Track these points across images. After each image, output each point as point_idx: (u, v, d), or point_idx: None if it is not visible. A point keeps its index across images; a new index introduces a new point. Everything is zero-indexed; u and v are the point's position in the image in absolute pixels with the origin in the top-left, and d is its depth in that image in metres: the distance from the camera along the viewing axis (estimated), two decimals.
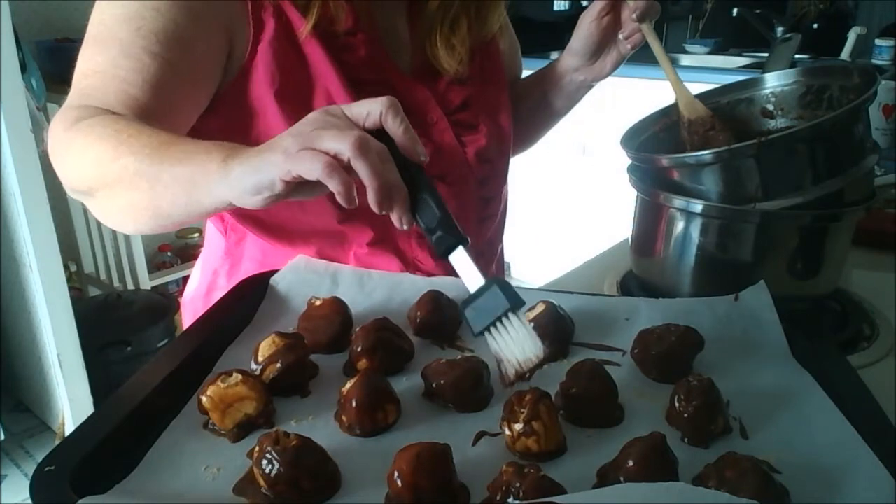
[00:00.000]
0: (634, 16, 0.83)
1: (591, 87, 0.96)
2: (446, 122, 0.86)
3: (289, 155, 0.54)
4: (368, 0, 0.81)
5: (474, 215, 0.90)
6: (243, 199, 0.57)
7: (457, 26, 0.87)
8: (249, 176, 0.56)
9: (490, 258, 0.97)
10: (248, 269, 0.85)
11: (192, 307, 0.94)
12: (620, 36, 0.87)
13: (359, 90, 0.78)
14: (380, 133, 0.56)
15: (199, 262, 0.97)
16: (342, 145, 0.52)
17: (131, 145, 0.64)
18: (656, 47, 0.84)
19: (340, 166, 0.52)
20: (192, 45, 0.72)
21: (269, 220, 0.83)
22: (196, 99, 0.75)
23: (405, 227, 0.57)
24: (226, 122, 0.78)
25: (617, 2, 0.85)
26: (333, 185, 0.52)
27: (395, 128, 0.55)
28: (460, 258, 0.58)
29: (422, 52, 0.87)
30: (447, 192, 0.84)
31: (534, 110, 1.01)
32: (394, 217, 0.56)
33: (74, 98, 0.72)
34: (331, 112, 0.56)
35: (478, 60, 0.90)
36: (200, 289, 0.92)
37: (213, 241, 0.92)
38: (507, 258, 1.06)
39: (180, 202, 0.63)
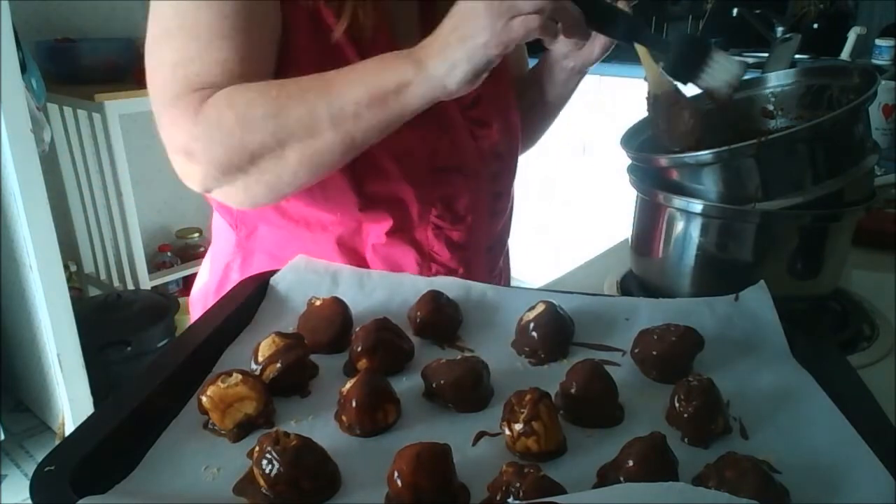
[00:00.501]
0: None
1: (581, 74, 0.95)
2: (461, 119, 0.87)
3: (496, 32, 0.63)
4: (385, 4, 0.82)
5: (486, 209, 0.90)
6: (461, 89, 0.66)
7: None
8: (462, 66, 0.65)
9: (498, 253, 0.97)
10: (260, 263, 0.86)
11: (202, 302, 0.95)
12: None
13: None
14: None
15: (208, 258, 0.97)
16: (540, 3, 0.62)
17: (290, 97, 0.68)
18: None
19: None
20: (266, 16, 0.74)
21: (289, 212, 0.83)
22: (274, 56, 0.76)
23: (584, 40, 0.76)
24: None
25: None
26: (550, 34, 0.65)
27: None
28: (650, 37, 0.74)
29: None
30: (462, 185, 0.85)
31: (531, 105, 1.02)
32: (575, 34, 0.69)
33: (177, 88, 0.71)
34: None
35: None
36: (211, 284, 0.93)
37: (223, 234, 0.92)
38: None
39: (379, 122, 0.69)
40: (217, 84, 0.70)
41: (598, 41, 0.89)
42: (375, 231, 0.83)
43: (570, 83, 0.98)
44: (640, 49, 0.83)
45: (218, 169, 0.71)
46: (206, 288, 0.94)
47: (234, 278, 0.89)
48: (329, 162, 0.72)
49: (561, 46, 0.92)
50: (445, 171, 0.84)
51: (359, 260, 0.84)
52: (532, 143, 1.09)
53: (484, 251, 0.92)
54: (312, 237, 0.83)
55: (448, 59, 0.65)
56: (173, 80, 0.71)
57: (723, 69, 0.73)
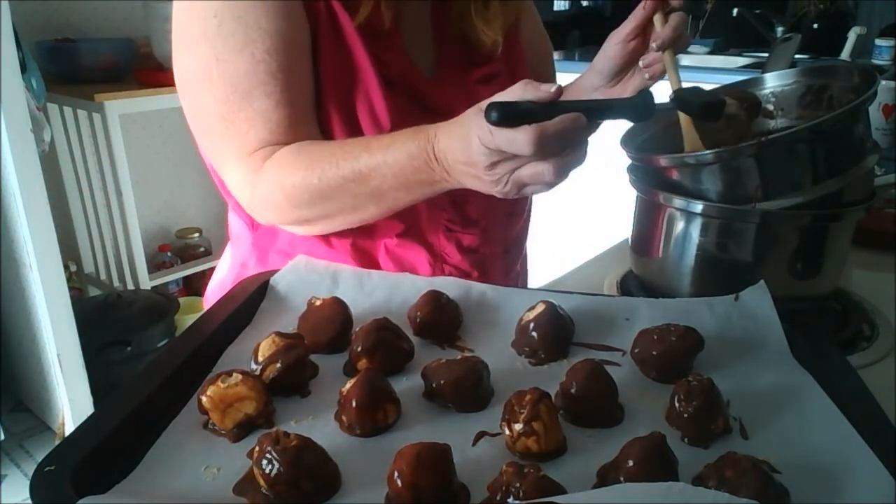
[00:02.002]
0: (654, 45, 0.79)
1: None
2: None
3: (505, 194, 0.67)
4: (397, 4, 0.82)
5: (502, 211, 0.90)
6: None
7: (489, 1, 0.88)
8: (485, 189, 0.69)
9: (516, 256, 0.97)
10: (275, 262, 0.86)
11: (216, 298, 0.95)
12: (640, 63, 0.84)
13: (391, 90, 0.80)
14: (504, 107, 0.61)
15: (227, 253, 0.98)
16: (545, 185, 0.65)
17: (331, 185, 0.73)
18: (673, 81, 0.79)
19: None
20: (295, 43, 0.76)
21: None
22: (311, 86, 0.79)
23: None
24: None
25: (645, 27, 0.82)
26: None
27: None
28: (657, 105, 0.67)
29: (448, 49, 0.88)
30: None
31: None
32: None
33: (234, 148, 0.78)
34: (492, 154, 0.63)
35: (503, 58, 0.91)
36: (227, 280, 0.93)
37: (239, 233, 0.94)
38: None
39: (417, 196, 0.75)
40: (265, 141, 0.76)
41: (632, 81, 0.87)
42: (387, 233, 0.84)
43: None
44: (683, 117, 0.82)
45: (276, 222, 0.83)
46: (222, 284, 0.95)
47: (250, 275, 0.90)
48: (379, 217, 0.79)
49: (593, 78, 0.90)
50: None
51: (371, 261, 0.84)
52: None
53: (501, 254, 0.92)
54: (326, 238, 0.84)
55: (470, 185, 0.70)
56: (226, 139, 0.77)
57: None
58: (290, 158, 0.75)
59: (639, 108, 0.65)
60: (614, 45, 0.85)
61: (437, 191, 0.74)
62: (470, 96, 0.87)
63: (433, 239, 0.86)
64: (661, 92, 0.86)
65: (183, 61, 0.77)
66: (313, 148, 0.75)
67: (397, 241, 0.84)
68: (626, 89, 0.89)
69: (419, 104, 0.83)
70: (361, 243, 0.84)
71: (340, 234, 0.83)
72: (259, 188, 0.77)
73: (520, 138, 0.60)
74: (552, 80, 1.06)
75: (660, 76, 0.82)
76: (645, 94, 0.65)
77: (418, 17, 0.87)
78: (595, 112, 0.64)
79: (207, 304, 0.98)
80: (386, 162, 0.71)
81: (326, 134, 0.80)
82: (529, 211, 0.98)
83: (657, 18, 0.79)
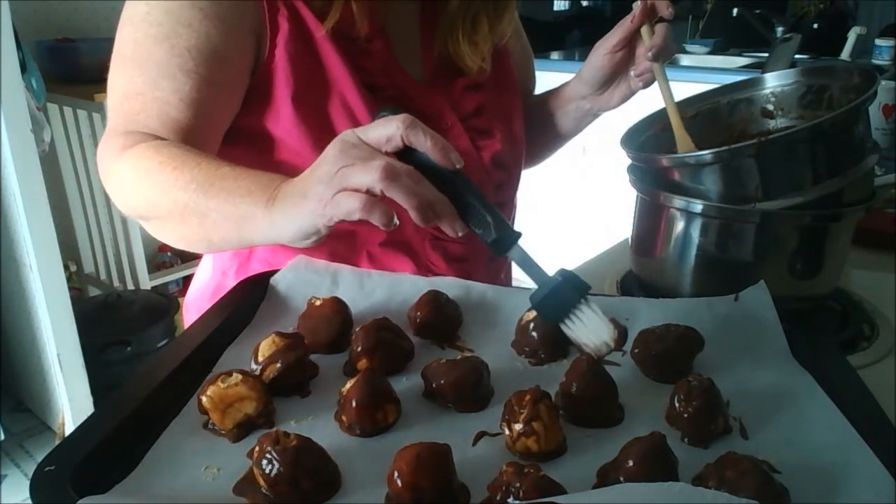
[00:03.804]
0: (649, 55, 0.82)
1: (596, 115, 0.95)
2: (461, 128, 0.86)
3: (324, 202, 0.56)
4: (384, 4, 0.81)
5: None
6: (293, 243, 0.62)
7: (478, 23, 0.87)
8: (293, 223, 0.60)
9: (501, 264, 0.97)
10: (256, 270, 0.85)
11: (196, 306, 0.94)
12: (632, 73, 0.86)
13: (374, 96, 0.79)
14: (407, 149, 0.56)
15: (204, 262, 0.96)
16: (370, 179, 0.53)
17: (177, 179, 0.66)
18: (664, 89, 0.83)
19: (376, 199, 0.54)
20: (225, 55, 0.74)
21: None
22: (231, 106, 0.77)
23: (459, 234, 0.58)
24: (249, 121, 0.79)
25: (632, 38, 0.84)
26: (375, 220, 0.54)
27: (422, 143, 0.56)
28: (519, 253, 0.60)
29: (436, 57, 0.87)
30: None
31: (541, 129, 1.01)
32: (445, 228, 0.57)
33: (118, 123, 0.74)
34: (349, 142, 0.57)
35: (491, 67, 0.90)
36: (207, 288, 0.92)
37: None
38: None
39: (231, 238, 0.67)
40: (151, 128, 0.72)
41: (619, 90, 0.89)
42: (370, 242, 0.83)
43: (583, 121, 0.98)
44: (673, 118, 0.83)
45: (121, 210, 0.76)
46: (202, 292, 0.93)
47: (230, 285, 0.89)
48: (205, 246, 0.73)
49: (580, 87, 0.91)
50: None
51: None
52: (537, 163, 1.08)
53: (486, 262, 0.91)
54: (306, 250, 0.82)
55: (288, 213, 0.60)
56: (115, 110, 0.74)
57: (596, 325, 0.60)
58: (157, 149, 0.70)
59: (495, 244, 0.59)
60: (602, 55, 0.86)
61: (245, 239, 0.66)
62: (457, 103, 0.87)
63: (419, 248, 0.85)
64: (651, 98, 0.87)
65: (115, 42, 0.76)
66: (174, 149, 0.70)
67: (381, 250, 0.83)
68: (613, 98, 0.90)
69: (406, 109, 0.82)
70: (343, 252, 0.82)
71: (320, 243, 0.81)
72: (115, 167, 0.71)
73: (395, 119, 0.56)
74: (533, 77, 1.07)
75: (650, 83, 0.85)
76: (505, 233, 0.59)
77: (407, 20, 0.86)
78: (471, 208, 0.58)
79: (187, 313, 0.97)
80: (239, 176, 0.65)
81: (300, 147, 0.77)
82: (513, 221, 0.98)
83: (644, 30, 0.83)
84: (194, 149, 0.70)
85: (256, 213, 0.62)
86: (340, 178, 0.55)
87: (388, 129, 0.56)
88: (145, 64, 0.72)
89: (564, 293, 0.59)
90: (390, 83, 0.82)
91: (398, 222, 0.55)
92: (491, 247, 0.59)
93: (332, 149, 0.57)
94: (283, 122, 0.77)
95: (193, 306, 0.95)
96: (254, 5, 0.75)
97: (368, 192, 0.54)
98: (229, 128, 0.79)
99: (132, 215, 0.76)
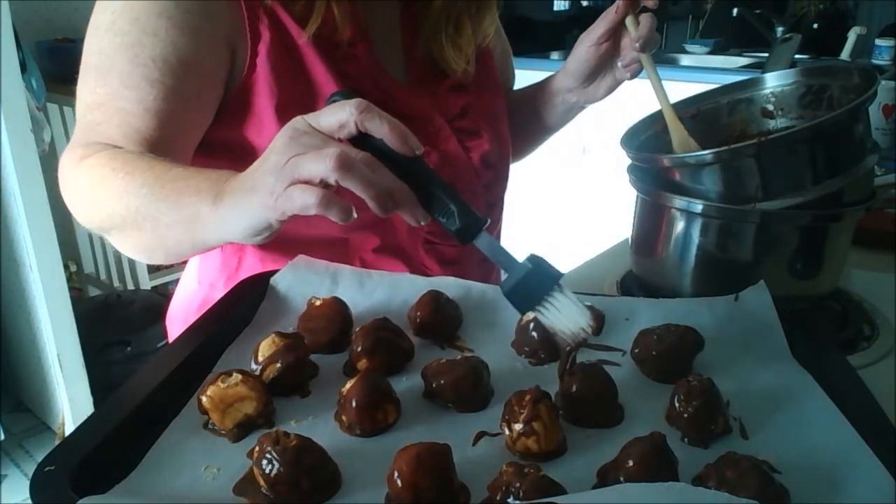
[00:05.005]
0: (637, 45, 0.81)
1: (582, 108, 0.95)
2: (449, 130, 0.85)
3: (276, 195, 0.52)
4: (366, 6, 0.80)
5: None
6: (245, 240, 0.59)
7: (461, 26, 0.87)
8: (243, 219, 0.56)
9: (492, 264, 0.96)
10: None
11: (182, 318, 0.92)
12: (619, 64, 0.86)
13: None
14: (363, 136, 0.53)
15: (191, 274, 0.94)
16: (323, 168, 0.50)
17: (129, 185, 0.64)
18: (653, 79, 0.83)
19: (332, 192, 0.51)
20: (194, 65, 0.71)
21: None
22: (201, 118, 0.75)
23: (422, 224, 0.55)
24: (230, 133, 0.77)
25: (616, 29, 0.84)
26: (333, 215, 0.51)
27: (378, 129, 0.53)
28: (485, 241, 0.57)
29: (419, 59, 0.86)
30: None
31: (526, 123, 1.01)
32: (406, 218, 0.54)
33: (80, 134, 0.72)
34: (299, 129, 0.53)
35: (474, 67, 0.90)
36: (194, 301, 0.90)
37: (208, 252, 0.89)
38: None
39: (185, 241, 0.64)
40: (112, 138, 0.70)
41: (605, 82, 0.89)
42: (363, 248, 0.82)
43: (569, 114, 0.97)
44: (664, 107, 0.83)
45: (81, 223, 0.73)
46: (189, 305, 0.91)
47: (217, 297, 0.88)
48: (163, 254, 0.69)
49: (566, 80, 0.91)
50: None
51: None
52: (522, 157, 1.08)
53: (479, 262, 0.91)
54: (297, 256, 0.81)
55: (237, 208, 0.56)
56: (79, 122, 0.73)
57: (571, 311, 0.56)
58: (112, 157, 0.68)
59: (459, 233, 0.56)
60: (587, 47, 0.86)
61: (198, 241, 0.64)
62: (443, 105, 0.87)
63: (413, 253, 0.84)
64: (651, 98, 0.87)
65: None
66: (128, 156, 0.68)
67: (374, 256, 0.82)
68: (599, 91, 0.90)
69: (392, 112, 0.82)
70: (335, 260, 0.80)
71: (312, 252, 0.79)
72: (72, 177, 0.70)
73: (348, 103, 0.53)
74: (512, 74, 1.07)
75: (637, 74, 0.85)
76: (470, 221, 0.56)
77: (387, 23, 0.85)
78: (433, 196, 0.56)
79: (172, 326, 0.95)
80: (189, 176, 0.63)
81: None
82: (501, 220, 0.99)
83: (629, 21, 0.82)
84: (151, 154, 0.68)
85: (204, 211, 0.59)
86: (291, 169, 0.51)
87: (341, 115, 0.52)
88: (108, 74, 0.70)
89: (536, 280, 0.55)
90: (375, 87, 0.81)
91: (356, 215, 0.52)
92: (455, 235, 0.56)
93: (280, 137, 0.53)
94: (266, 131, 0.75)
95: (178, 318, 0.93)
96: (231, 14, 0.73)
97: (322, 182, 0.51)
98: (209, 140, 0.77)
99: (92, 228, 0.73)
